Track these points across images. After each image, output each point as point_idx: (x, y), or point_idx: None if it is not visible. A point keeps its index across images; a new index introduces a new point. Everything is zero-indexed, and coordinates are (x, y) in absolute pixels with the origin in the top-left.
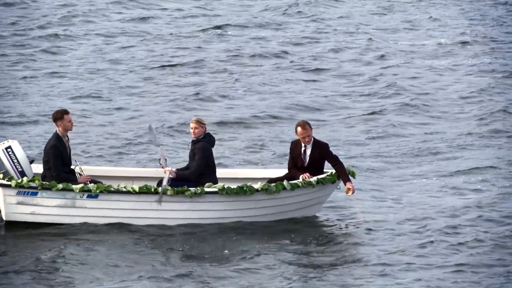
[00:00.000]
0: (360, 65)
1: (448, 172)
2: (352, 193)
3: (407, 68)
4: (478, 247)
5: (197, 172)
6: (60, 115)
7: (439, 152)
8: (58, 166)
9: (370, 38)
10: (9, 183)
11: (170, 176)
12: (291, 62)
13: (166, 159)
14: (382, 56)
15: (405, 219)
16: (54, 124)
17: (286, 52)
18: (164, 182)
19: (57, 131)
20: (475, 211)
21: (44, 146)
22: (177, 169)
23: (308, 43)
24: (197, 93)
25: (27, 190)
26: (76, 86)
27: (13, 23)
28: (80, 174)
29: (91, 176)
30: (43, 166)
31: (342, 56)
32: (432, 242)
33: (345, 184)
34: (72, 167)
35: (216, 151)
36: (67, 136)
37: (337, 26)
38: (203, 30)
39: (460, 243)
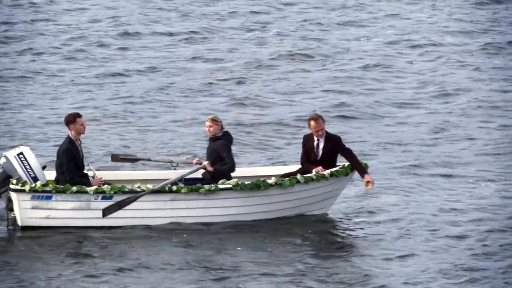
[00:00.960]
0: (404, 66)
1: (483, 175)
2: (372, 186)
3: (450, 68)
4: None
5: (234, 167)
6: (72, 119)
7: (474, 155)
8: (71, 170)
9: (414, 38)
10: (23, 188)
11: (208, 169)
12: (333, 62)
13: (185, 158)
14: (424, 55)
15: (431, 221)
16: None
17: (326, 54)
18: (200, 167)
19: (70, 135)
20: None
21: (56, 151)
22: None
23: (351, 44)
24: (240, 95)
25: (41, 194)
26: (91, 90)
27: (32, 23)
28: (93, 178)
29: (104, 180)
30: (56, 170)
31: (386, 56)
32: (462, 245)
33: (362, 177)
34: (85, 171)
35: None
36: (79, 139)
37: (380, 26)
38: (248, 31)
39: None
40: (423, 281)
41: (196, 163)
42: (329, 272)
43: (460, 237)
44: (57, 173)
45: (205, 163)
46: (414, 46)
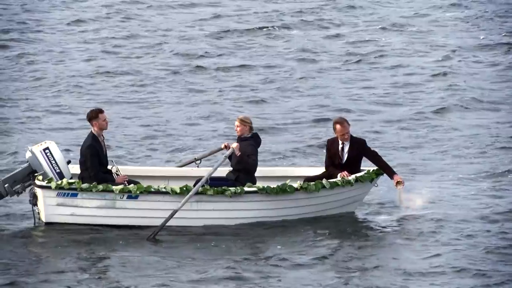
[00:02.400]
0: (427, 62)
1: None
2: (402, 186)
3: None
4: None
5: (256, 166)
6: (95, 114)
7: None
8: (95, 166)
9: (433, 34)
10: (49, 185)
11: (235, 152)
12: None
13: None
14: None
15: (459, 220)
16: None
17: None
18: (228, 153)
19: (92, 131)
20: None
21: (80, 146)
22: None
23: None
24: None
25: (67, 192)
26: (114, 86)
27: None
28: (117, 174)
29: (127, 176)
30: (80, 167)
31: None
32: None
33: (391, 178)
34: (109, 167)
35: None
36: (102, 135)
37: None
38: (266, 28)
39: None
40: (444, 282)
41: (225, 147)
42: (357, 272)
43: (484, 243)
44: (81, 169)
45: (234, 145)
46: (430, 45)
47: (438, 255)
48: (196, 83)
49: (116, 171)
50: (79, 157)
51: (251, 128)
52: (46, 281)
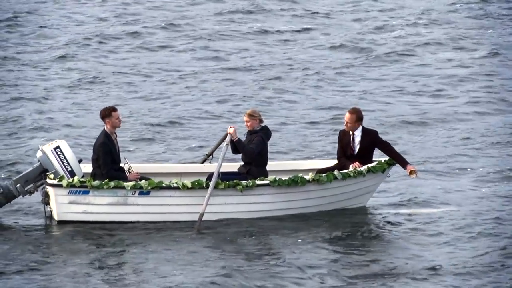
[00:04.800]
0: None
1: None
2: (416, 175)
3: None
4: None
5: (254, 152)
6: (108, 112)
7: None
8: (108, 163)
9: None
10: (60, 183)
11: (232, 139)
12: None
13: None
14: None
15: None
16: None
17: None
18: (227, 140)
19: (105, 129)
20: None
21: (92, 145)
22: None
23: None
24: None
25: (78, 189)
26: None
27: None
28: (129, 172)
29: (139, 173)
30: (92, 165)
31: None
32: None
33: (404, 168)
34: (121, 164)
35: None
36: (115, 133)
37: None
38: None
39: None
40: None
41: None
42: (363, 271)
43: (493, 236)
44: (93, 167)
45: (230, 130)
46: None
47: (446, 253)
48: (209, 80)
49: (129, 168)
50: (91, 155)
51: (260, 121)
52: (60, 279)
